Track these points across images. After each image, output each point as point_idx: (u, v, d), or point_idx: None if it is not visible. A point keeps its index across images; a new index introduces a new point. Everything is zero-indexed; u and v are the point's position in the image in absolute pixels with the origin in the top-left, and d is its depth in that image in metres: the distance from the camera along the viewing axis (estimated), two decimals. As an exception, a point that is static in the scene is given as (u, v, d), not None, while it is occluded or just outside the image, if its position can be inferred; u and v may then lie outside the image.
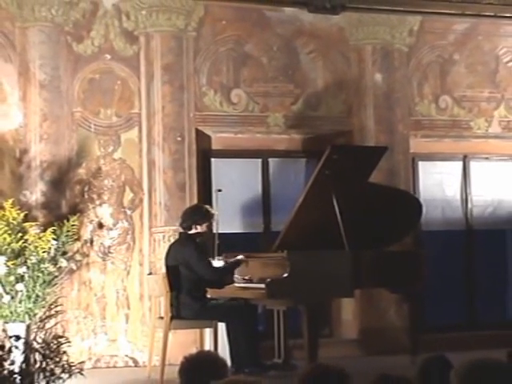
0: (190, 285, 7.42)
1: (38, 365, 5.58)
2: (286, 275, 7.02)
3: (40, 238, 7.30)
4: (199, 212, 7.69)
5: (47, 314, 7.24)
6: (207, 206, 7.81)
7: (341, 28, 9.24)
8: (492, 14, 9.56)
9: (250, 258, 7.69)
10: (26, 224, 7.39)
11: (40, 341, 5.99)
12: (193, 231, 7.57)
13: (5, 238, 7.20)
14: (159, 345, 7.38)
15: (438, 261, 8.98)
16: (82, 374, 5.64)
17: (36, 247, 7.26)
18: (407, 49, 9.49)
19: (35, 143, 8.24)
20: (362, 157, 7.90)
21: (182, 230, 7.67)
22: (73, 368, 5.62)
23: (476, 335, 9.05)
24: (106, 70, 8.55)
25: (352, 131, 9.25)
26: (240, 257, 7.54)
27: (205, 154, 8.87)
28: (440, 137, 9.64)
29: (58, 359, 5.61)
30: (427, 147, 9.62)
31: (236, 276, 7.56)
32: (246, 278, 7.52)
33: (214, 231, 7.87)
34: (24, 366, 5.58)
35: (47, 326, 7.02)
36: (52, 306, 7.32)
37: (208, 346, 7.71)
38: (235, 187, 8.88)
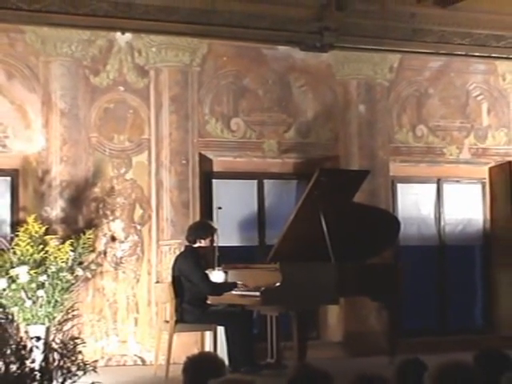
0: (192, 293, 7.43)
1: (56, 363, 5.56)
2: (278, 284, 7.03)
3: (59, 250, 7.31)
4: (203, 227, 7.71)
5: (65, 317, 7.23)
6: (210, 222, 7.83)
7: (329, 65, 9.26)
8: (463, 53, 9.59)
9: (246, 268, 7.70)
10: (47, 237, 7.39)
11: (58, 341, 5.97)
12: (197, 244, 7.59)
13: (28, 249, 7.20)
14: (165, 346, 7.39)
15: (413, 273, 8.97)
16: (95, 372, 5.62)
17: (55, 258, 7.26)
18: (388, 83, 9.51)
19: (56, 165, 8.23)
20: (347, 179, 7.92)
21: (187, 243, 7.68)
22: (87, 366, 5.60)
23: (447, 340, 9.04)
24: (119, 100, 8.56)
25: (338, 156, 9.26)
26: (239, 283, 7.53)
27: (207, 176, 8.87)
28: (416, 162, 9.65)
29: (74, 358, 5.58)
30: (405, 171, 9.63)
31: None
32: (243, 286, 7.52)
33: (215, 244, 7.87)
34: (44, 364, 5.56)
35: (65, 328, 7.00)
36: (69, 311, 7.32)
37: (208, 347, 7.70)
38: (234, 205, 8.87)
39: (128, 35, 8.57)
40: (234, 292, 7.48)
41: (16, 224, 7.88)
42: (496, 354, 4.31)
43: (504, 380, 3.49)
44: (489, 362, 4.16)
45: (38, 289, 7.12)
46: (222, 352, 7.19)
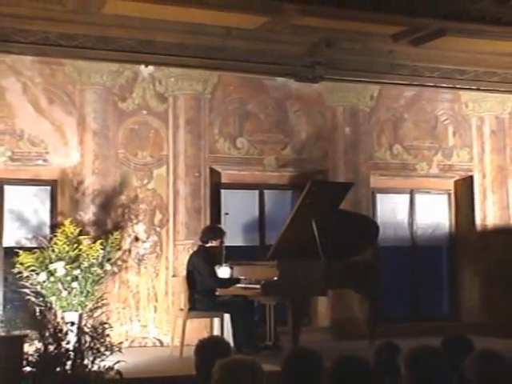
0: (203, 285, 7.41)
1: (87, 344, 5.54)
2: (276, 278, 7.01)
3: (91, 248, 7.30)
4: (214, 231, 7.71)
5: (95, 305, 7.22)
6: (221, 226, 7.82)
7: (319, 93, 9.26)
8: (432, 84, 9.57)
9: (248, 264, 7.68)
10: (81, 237, 7.39)
11: (89, 326, 5.95)
12: (209, 244, 7.60)
13: (64, 248, 7.20)
14: (179, 330, 7.38)
15: (390, 269, 8.94)
16: (120, 352, 5.60)
17: (88, 255, 7.25)
18: (369, 109, 9.51)
19: (88, 176, 8.23)
20: (335, 190, 7.91)
21: (200, 243, 7.67)
22: (114, 347, 5.58)
23: (418, 326, 9.00)
24: (142, 122, 8.55)
25: (327, 170, 9.25)
26: (241, 278, 7.50)
27: (216, 186, 8.85)
28: (393, 176, 9.64)
29: (102, 340, 5.57)
30: (383, 183, 9.61)
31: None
32: (246, 280, 7.50)
33: (223, 244, 7.85)
34: (77, 345, 5.54)
35: (95, 314, 6.98)
36: (99, 300, 7.31)
37: (216, 331, 7.67)
38: (238, 211, 8.85)
39: (150, 67, 8.57)
40: (238, 285, 7.46)
41: (54, 226, 7.87)
42: (460, 338, 4.29)
43: (467, 361, 3.46)
44: (454, 345, 4.14)
45: (73, 281, 7.11)
46: (228, 336, 7.16)
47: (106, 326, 5.72)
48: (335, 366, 3.29)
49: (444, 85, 9.62)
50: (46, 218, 8.23)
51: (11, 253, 7.38)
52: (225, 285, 7.47)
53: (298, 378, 3.44)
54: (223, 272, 7.70)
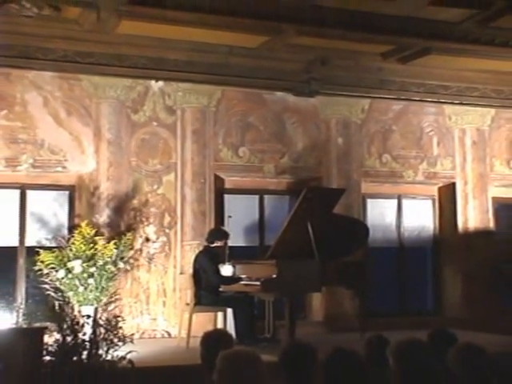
0: (208, 282, 7.40)
1: (102, 335, 5.53)
2: (274, 276, 6.99)
3: (105, 248, 7.31)
4: (219, 232, 7.71)
5: (109, 300, 7.24)
6: (224, 228, 7.81)
7: (315, 106, 9.26)
8: (418, 99, 9.59)
9: (249, 263, 7.67)
10: (96, 237, 7.40)
11: (104, 319, 5.95)
12: (214, 245, 7.59)
13: (81, 247, 7.22)
14: (186, 323, 7.36)
15: (379, 268, 8.95)
16: (132, 342, 5.59)
17: (103, 254, 7.27)
18: (360, 121, 9.50)
19: (103, 182, 8.23)
20: (328, 195, 7.90)
21: (206, 244, 7.66)
22: (126, 338, 5.57)
23: (405, 320, 8.99)
24: (153, 133, 8.55)
25: (321, 177, 9.24)
26: (243, 276, 7.49)
27: (220, 191, 8.85)
28: (382, 182, 9.63)
29: (116, 332, 5.55)
30: (373, 189, 9.60)
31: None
32: (247, 277, 7.49)
33: (227, 245, 7.85)
34: (92, 336, 5.53)
35: (109, 308, 7.00)
36: (112, 295, 7.32)
37: (220, 324, 7.66)
38: (240, 214, 8.83)
39: (160, 83, 8.59)
40: (240, 282, 7.45)
41: (72, 227, 7.87)
42: (444, 332, 4.29)
43: (450, 353, 3.46)
44: (438, 338, 4.13)
45: (89, 278, 7.12)
46: (231, 328, 7.15)
47: (119, 318, 5.71)
48: (329, 357, 3.28)
49: (429, 99, 9.63)
50: (64, 220, 8.22)
51: (33, 252, 7.39)
52: (227, 283, 7.46)
53: (294, 367, 3.43)
54: (226, 270, 7.68)
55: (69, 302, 6.81)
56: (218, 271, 7.43)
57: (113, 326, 5.57)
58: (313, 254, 7.17)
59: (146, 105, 8.54)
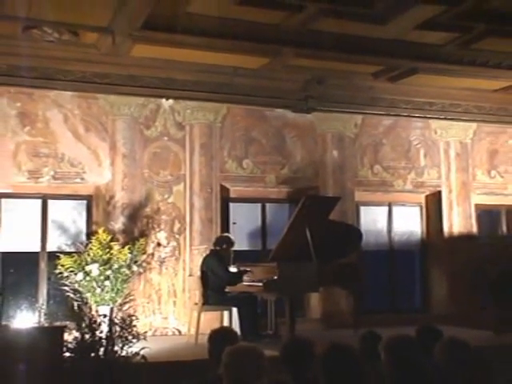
0: (215, 283, 7.40)
1: (117, 333, 5.53)
2: (276, 277, 6.99)
3: (120, 252, 7.32)
4: (225, 239, 7.69)
5: (124, 300, 7.23)
6: (230, 236, 7.79)
7: (312, 122, 9.28)
8: (406, 114, 9.61)
9: (252, 266, 7.66)
10: (112, 243, 7.40)
11: (119, 318, 5.94)
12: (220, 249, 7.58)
13: (98, 252, 7.22)
14: (194, 321, 7.34)
15: (372, 269, 8.93)
16: (145, 340, 5.59)
17: (118, 258, 7.27)
18: (353, 135, 9.51)
19: (118, 192, 8.24)
20: (325, 203, 7.90)
21: (213, 248, 7.66)
22: (139, 335, 5.57)
23: (395, 317, 8.95)
24: (164, 147, 8.57)
25: (318, 187, 9.24)
26: (248, 269, 7.50)
27: (225, 200, 8.85)
28: (374, 191, 9.62)
29: (130, 330, 5.55)
30: (366, 197, 9.59)
31: (244, 278, 7.53)
32: (250, 278, 7.49)
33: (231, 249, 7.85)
34: (108, 334, 5.53)
35: (124, 308, 6.99)
36: (127, 296, 7.32)
37: (226, 322, 7.65)
38: (244, 221, 8.85)
39: (170, 101, 8.61)
40: (244, 283, 7.44)
41: (90, 234, 7.87)
42: (431, 328, 4.29)
43: (437, 348, 3.46)
44: (425, 334, 4.13)
45: (105, 280, 7.12)
46: (236, 326, 7.14)
47: (133, 317, 5.70)
48: (326, 351, 3.29)
49: (416, 115, 9.65)
50: (82, 227, 8.23)
51: (53, 256, 7.41)
52: (236, 276, 7.43)
53: (295, 361, 3.44)
54: (232, 271, 7.68)
55: (87, 303, 6.80)
56: (227, 268, 7.43)
57: (127, 324, 5.57)
58: (311, 256, 7.16)
59: (158, 121, 8.56)
